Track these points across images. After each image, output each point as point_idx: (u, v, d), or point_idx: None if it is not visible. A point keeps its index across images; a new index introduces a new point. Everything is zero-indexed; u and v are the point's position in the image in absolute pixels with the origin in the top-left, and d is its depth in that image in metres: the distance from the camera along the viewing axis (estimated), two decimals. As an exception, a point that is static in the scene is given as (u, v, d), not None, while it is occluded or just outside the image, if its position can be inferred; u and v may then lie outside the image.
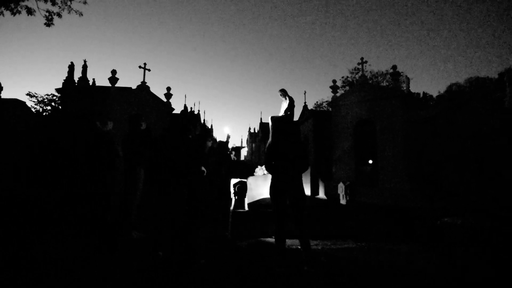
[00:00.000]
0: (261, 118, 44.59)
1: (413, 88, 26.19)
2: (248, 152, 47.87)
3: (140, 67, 10.66)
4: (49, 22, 8.80)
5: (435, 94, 27.21)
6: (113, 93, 10.04)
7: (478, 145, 9.47)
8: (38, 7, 8.69)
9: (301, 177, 3.31)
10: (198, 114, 31.36)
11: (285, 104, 4.47)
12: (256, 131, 46.63)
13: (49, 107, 17.43)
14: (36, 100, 17.37)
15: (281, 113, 4.50)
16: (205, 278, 2.86)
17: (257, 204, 5.31)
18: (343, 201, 6.99)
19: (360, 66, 12.07)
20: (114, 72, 10.01)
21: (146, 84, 10.76)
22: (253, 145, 46.78)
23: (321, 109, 25.74)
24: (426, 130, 11.03)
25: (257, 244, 4.17)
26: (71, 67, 13.96)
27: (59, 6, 8.87)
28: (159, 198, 3.69)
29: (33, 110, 16.06)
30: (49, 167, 9.02)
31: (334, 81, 11.40)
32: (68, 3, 8.93)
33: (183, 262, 3.23)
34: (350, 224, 5.32)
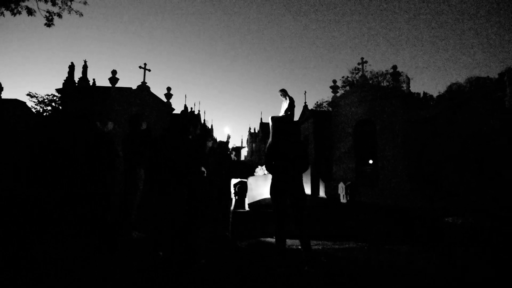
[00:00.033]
0: (261, 118, 44.67)
1: (413, 88, 26.19)
2: (248, 152, 47.88)
3: (140, 67, 10.67)
4: (49, 23, 8.80)
5: (435, 94, 27.21)
6: (113, 93, 10.04)
7: (478, 145, 9.46)
8: (38, 7, 8.70)
9: (302, 177, 3.31)
10: (198, 114, 31.37)
11: (285, 104, 4.48)
12: (256, 131, 46.67)
13: (49, 108, 17.44)
14: (36, 101, 17.38)
15: (282, 113, 4.51)
16: (205, 278, 2.86)
17: (258, 204, 5.31)
18: (343, 201, 6.99)
19: (360, 66, 12.08)
20: (114, 72, 10.02)
21: (146, 84, 10.77)
22: (253, 145, 46.80)
23: (321, 109, 25.71)
24: (426, 130, 11.03)
25: (258, 244, 4.17)
26: (72, 68, 13.96)
27: (59, 7, 8.88)
28: (159, 198, 3.68)
29: (34, 110, 16.07)
30: (49, 167, 9.02)
31: (334, 81, 11.40)
32: (68, 3, 8.94)
33: (183, 262, 3.23)
34: (350, 224, 5.32)
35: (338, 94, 11.43)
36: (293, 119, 4.25)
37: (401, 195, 8.54)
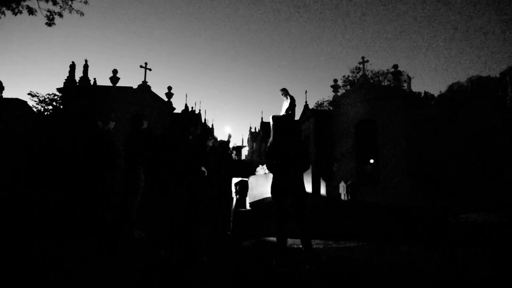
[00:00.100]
0: (262, 118, 44.62)
1: (414, 88, 26.15)
2: (249, 151, 47.91)
3: (141, 66, 10.66)
4: (50, 22, 8.80)
5: (436, 94, 27.19)
6: (114, 92, 10.04)
7: (479, 144, 9.44)
8: (39, 6, 8.71)
9: (303, 176, 3.30)
10: (199, 113, 31.38)
11: (286, 104, 4.46)
12: (257, 131, 46.64)
13: (50, 107, 17.45)
14: (37, 100, 17.39)
15: (282, 112, 4.49)
16: (205, 278, 2.84)
17: (259, 203, 5.30)
18: (344, 200, 6.97)
19: (361, 65, 12.06)
20: (115, 71, 10.01)
21: (147, 83, 10.76)
22: (254, 144, 46.79)
23: (322, 108, 25.69)
24: (428, 129, 11.00)
25: (259, 243, 4.16)
26: (72, 67, 13.98)
27: (60, 6, 8.89)
28: (159, 198, 3.67)
29: (35, 109, 16.07)
30: (49, 167, 9.02)
31: (335, 81, 11.38)
32: (69, 2, 8.94)
33: (183, 262, 3.22)
34: (352, 223, 5.30)
35: (339, 94, 11.41)
36: (294, 118, 4.24)
37: (402, 194, 8.51)
